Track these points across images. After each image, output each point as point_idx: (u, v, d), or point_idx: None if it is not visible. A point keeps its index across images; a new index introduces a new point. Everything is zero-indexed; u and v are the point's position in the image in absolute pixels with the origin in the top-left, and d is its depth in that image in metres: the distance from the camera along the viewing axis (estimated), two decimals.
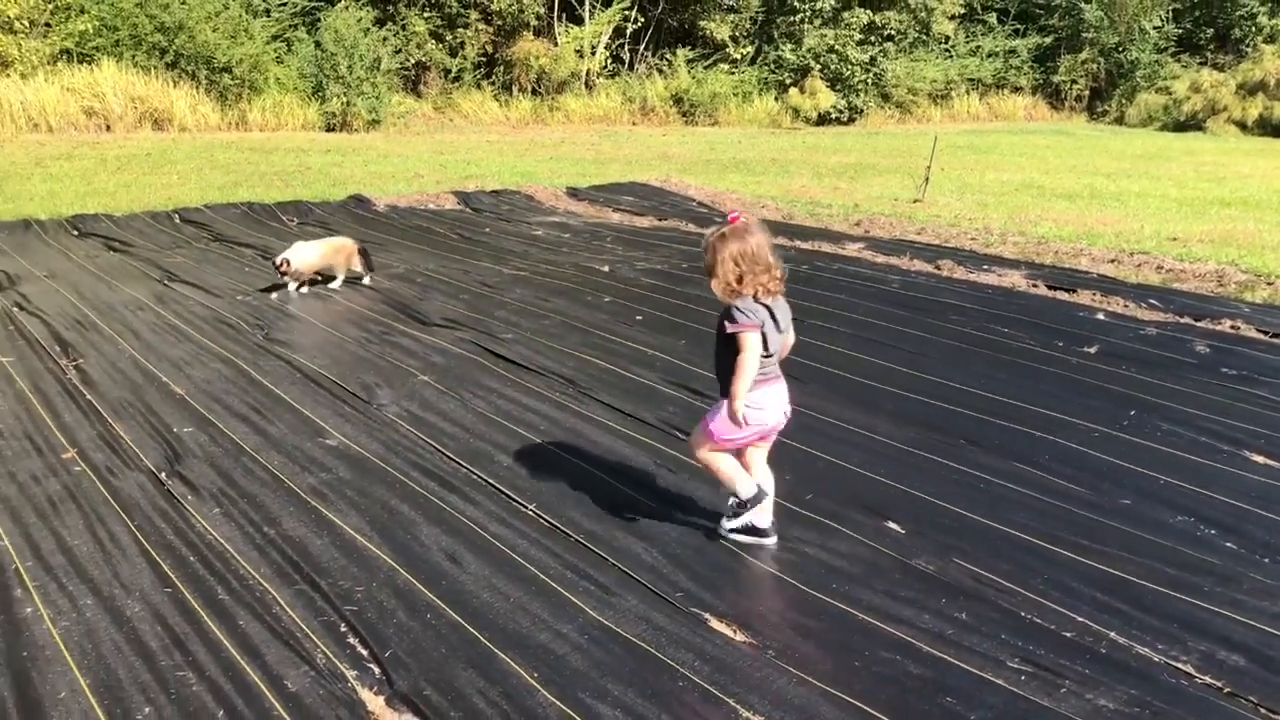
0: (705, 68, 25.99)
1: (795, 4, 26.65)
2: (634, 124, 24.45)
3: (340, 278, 7.03)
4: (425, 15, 22.99)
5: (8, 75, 17.08)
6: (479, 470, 3.88)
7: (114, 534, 3.30)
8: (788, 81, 26.63)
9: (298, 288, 6.84)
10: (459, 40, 23.72)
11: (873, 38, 27.02)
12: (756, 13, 26.99)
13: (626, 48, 26.32)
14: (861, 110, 26.70)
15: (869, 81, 26.72)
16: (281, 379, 4.97)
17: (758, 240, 3.21)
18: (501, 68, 24.71)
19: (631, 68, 26.38)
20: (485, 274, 7.48)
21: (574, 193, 12.10)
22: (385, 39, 20.83)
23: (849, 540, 3.35)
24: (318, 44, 20.13)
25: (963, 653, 2.71)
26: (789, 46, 26.84)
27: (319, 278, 7.03)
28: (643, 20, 26.12)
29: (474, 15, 23.69)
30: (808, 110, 25.69)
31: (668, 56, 26.22)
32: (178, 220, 9.65)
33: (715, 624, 2.84)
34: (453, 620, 2.83)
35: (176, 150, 15.25)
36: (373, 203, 10.91)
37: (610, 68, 26.00)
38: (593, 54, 25.21)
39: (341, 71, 19.64)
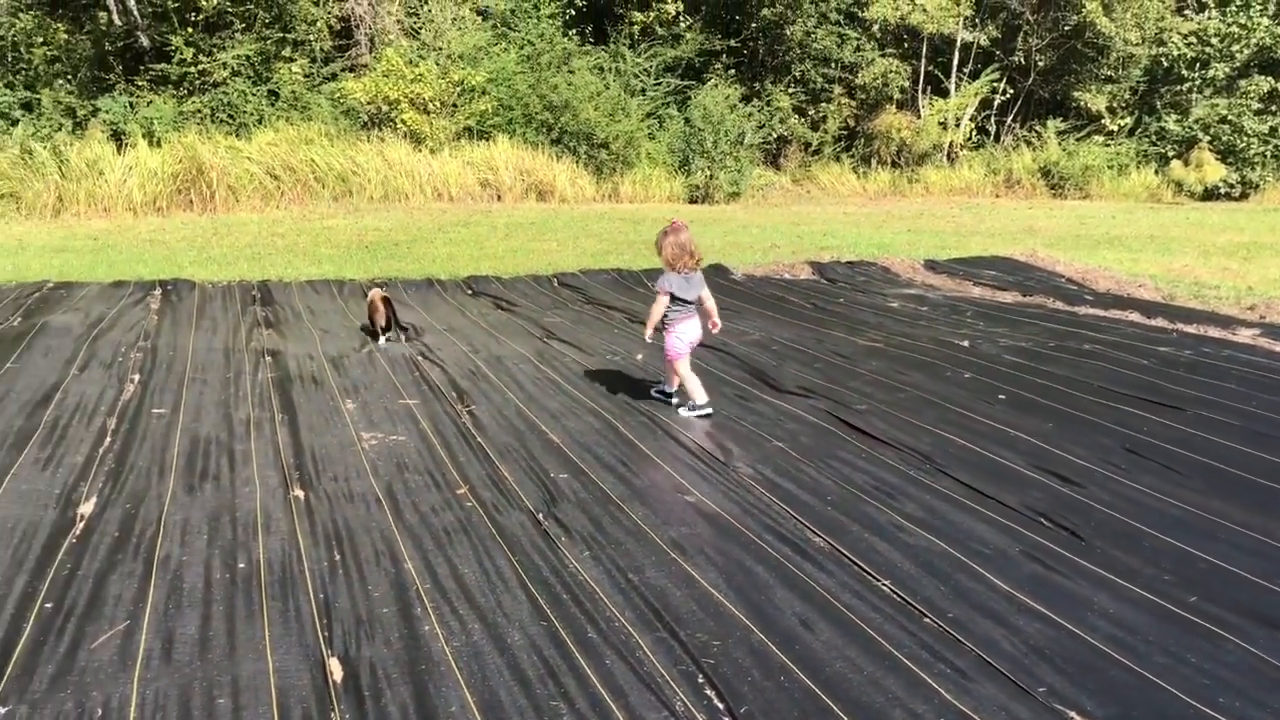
0: (1077, 139, 24.84)
1: (1184, 73, 24.94)
2: (997, 196, 23.73)
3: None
4: (790, 91, 23.62)
5: (420, 150, 19.28)
6: (832, 539, 3.90)
7: (498, 566, 3.62)
8: (1170, 154, 24.89)
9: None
10: (821, 115, 24.15)
11: (1274, 107, 24.72)
12: (1138, 83, 25.51)
13: (993, 119, 25.67)
14: (1257, 185, 24.43)
15: (1267, 154, 24.41)
16: (645, 435, 5.24)
17: (686, 237, 5.47)
18: (862, 141, 24.88)
19: (997, 139, 25.68)
20: (839, 344, 7.51)
21: (932, 265, 11.91)
22: (750, 114, 21.58)
23: (1239, 651, 3.05)
24: (687, 120, 21.19)
25: None
26: (1174, 117, 25.14)
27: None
28: (1011, 92, 25.40)
29: (838, 90, 24.05)
30: (1192, 184, 23.88)
31: (1036, 128, 25.30)
32: (556, 284, 10.44)
33: None
34: (805, 686, 2.85)
35: (556, 219, 16.53)
36: (730, 271, 11.28)
37: (974, 139, 25.44)
38: (957, 126, 24.79)
39: (707, 147, 20.54)
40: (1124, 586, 3.49)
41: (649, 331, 5.69)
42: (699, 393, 5.62)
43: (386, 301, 7.46)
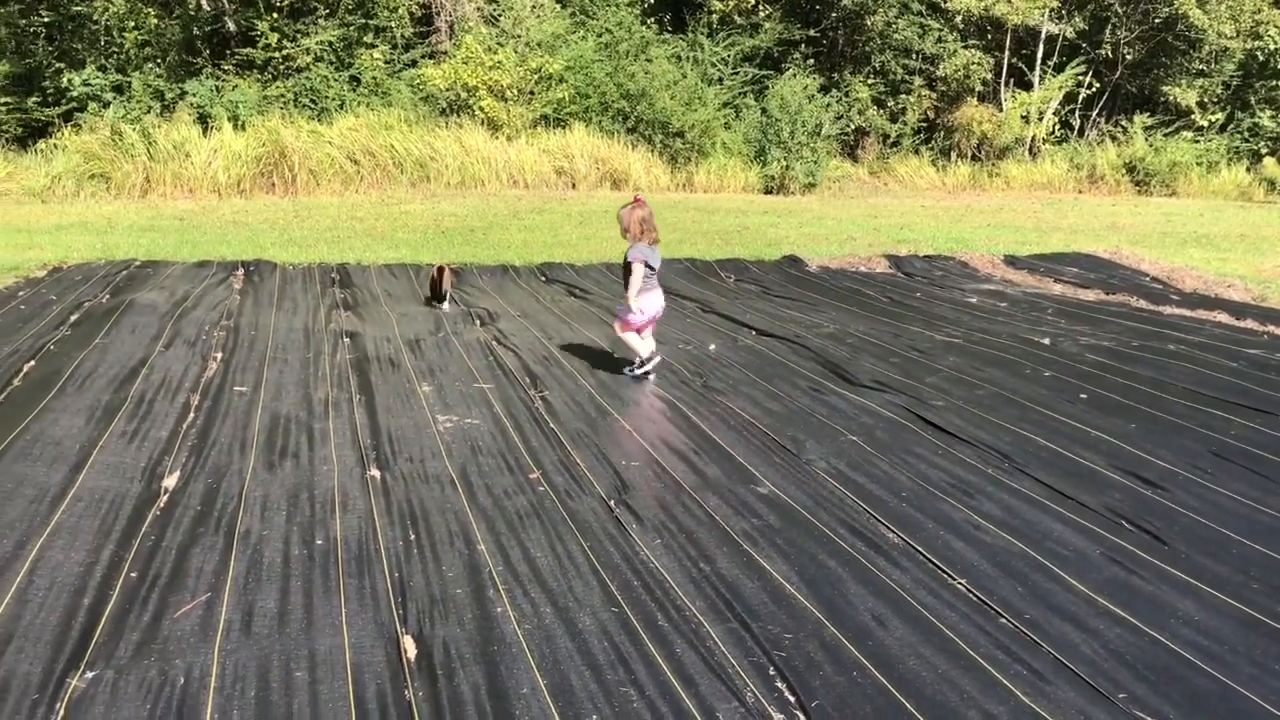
0: (1165, 135, 24.15)
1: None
2: (1080, 192, 23.21)
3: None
4: (869, 82, 23.32)
5: (496, 137, 19.41)
6: (906, 536, 3.85)
7: (570, 551, 3.63)
8: (1263, 151, 24.10)
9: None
10: (900, 106, 23.82)
11: None
12: (1231, 77, 24.71)
13: (1077, 113, 25.10)
14: None
15: None
16: (717, 425, 5.22)
17: (650, 211, 5.96)
18: (941, 133, 24.47)
19: (1081, 134, 25.10)
20: (916, 339, 7.41)
21: (1012, 261, 11.69)
22: (828, 105, 21.35)
23: None
24: (764, 110, 21.03)
25: None
26: (1269, 113, 24.32)
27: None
28: (1097, 86, 24.80)
29: (918, 82, 23.69)
30: None
31: (1123, 123, 24.67)
32: None
33: None
34: (879, 682, 2.82)
35: None
36: (805, 263, 11.18)
37: (1058, 134, 24.90)
38: (1040, 120, 24.28)
39: (784, 137, 20.36)
40: (1209, 593, 3.40)
41: (630, 301, 5.92)
42: (642, 349, 6.08)
43: (441, 271, 8.41)
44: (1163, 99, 24.97)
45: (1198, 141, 24.46)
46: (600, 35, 21.42)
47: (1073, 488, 4.36)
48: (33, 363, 6.16)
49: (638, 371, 6.11)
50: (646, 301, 5.98)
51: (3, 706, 2.61)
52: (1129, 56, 24.69)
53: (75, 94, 18.40)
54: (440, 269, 8.39)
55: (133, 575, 3.37)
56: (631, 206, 5.96)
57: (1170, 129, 24.51)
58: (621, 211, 6.02)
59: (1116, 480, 4.47)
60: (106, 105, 18.06)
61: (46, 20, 19.57)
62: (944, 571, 3.54)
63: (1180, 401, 5.74)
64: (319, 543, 3.66)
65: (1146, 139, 24.02)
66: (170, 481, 4.25)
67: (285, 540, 3.67)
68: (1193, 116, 24.71)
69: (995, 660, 2.96)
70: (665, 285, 9.54)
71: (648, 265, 5.91)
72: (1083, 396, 5.83)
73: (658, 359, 6.18)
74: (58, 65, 19.32)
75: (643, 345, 6.09)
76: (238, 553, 3.56)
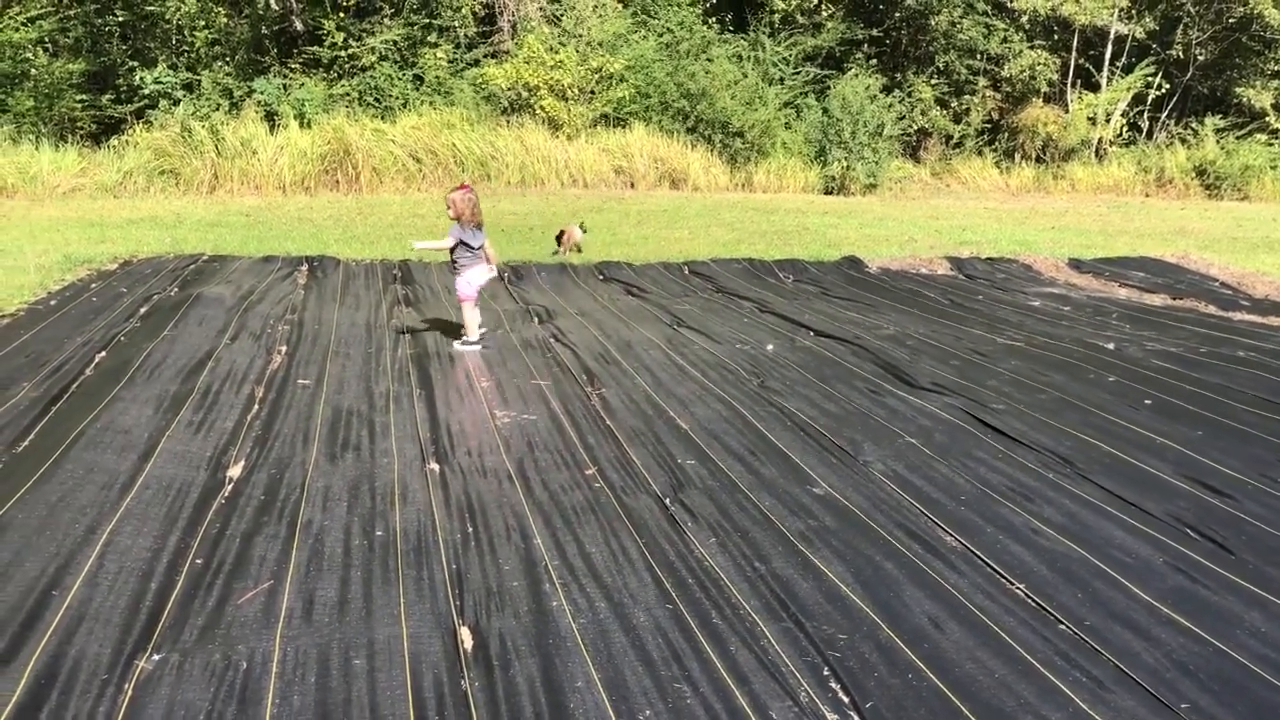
0: (1237, 137, 23.58)
1: None
2: (1147, 195, 22.75)
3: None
4: (933, 83, 23.08)
5: (557, 137, 19.51)
6: (964, 539, 3.81)
7: (625, 548, 3.65)
8: None
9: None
10: (964, 107, 23.54)
11: None
12: None
13: (1145, 115, 24.60)
14: None
15: None
16: (774, 425, 5.21)
17: (475, 196, 6.64)
18: (1005, 134, 24.14)
19: (1150, 136, 24.61)
20: (977, 341, 7.33)
21: (1076, 264, 11.50)
22: (890, 105, 21.17)
23: None
24: (825, 110, 20.90)
25: None
26: None
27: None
28: (1167, 87, 24.29)
29: (982, 82, 23.40)
30: None
31: (1193, 125, 24.13)
32: (686, 271, 10.45)
33: None
34: (934, 685, 2.80)
35: (689, 207, 16.53)
36: (865, 264, 11.10)
37: (1125, 136, 24.43)
38: (1107, 121, 23.85)
39: (845, 137, 20.23)
40: (1277, 604, 3.32)
41: (422, 245, 7.34)
42: (473, 331, 6.83)
43: (563, 232, 11.21)
44: (1235, 101, 24.38)
45: (1272, 144, 23.85)
46: (661, 35, 21.44)
47: (1136, 494, 4.29)
48: (104, 353, 6.32)
49: (464, 347, 6.73)
50: (474, 274, 6.76)
51: (74, 685, 2.68)
52: (1201, 57, 24.16)
53: (147, 92, 18.81)
54: (562, 230, 11.26)
55: (198, 562, 3.45)
56: (463, 192, 6.62)
57: (1243, 131, 23.92)
58: (453, 196, 6.62)
59: (1181, 488, 4.39)
60: (177, 103, 18.43)
61: (121, 20, 20.05)
62: (1002, 576, 3.50)
63: (1249, 409, 5.61)
64: (379, 534, 3.72)
65: (1218, 141, 23.48)
66: (235, 471, 4.34)
67: (346, 531, 3.74)
68: (1267, 119, 24.10)
69: (1054, 666, 2.92)
70: (723, 285, 9.60)
71: (467, 245, 6.66)
72: (1147, 402, 5.73)
73: (485, 331, 7.01)
74: (131, 64, 19.78)
75: (475, 324, 6.86)
76: (300, 542, 3.62)
